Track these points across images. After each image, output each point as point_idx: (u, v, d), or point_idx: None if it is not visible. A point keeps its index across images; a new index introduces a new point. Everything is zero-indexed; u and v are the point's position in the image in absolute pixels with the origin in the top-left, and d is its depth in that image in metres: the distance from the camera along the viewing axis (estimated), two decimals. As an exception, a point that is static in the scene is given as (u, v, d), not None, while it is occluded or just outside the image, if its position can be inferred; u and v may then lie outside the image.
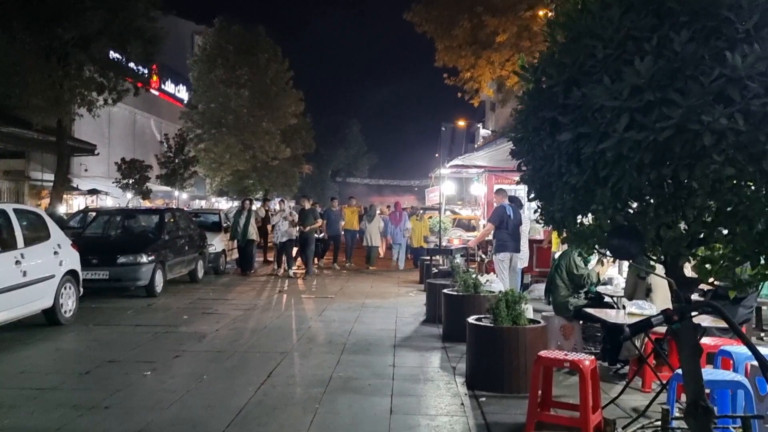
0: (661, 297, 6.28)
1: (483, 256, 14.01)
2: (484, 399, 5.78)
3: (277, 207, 18.85)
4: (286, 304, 11.92)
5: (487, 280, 8.68)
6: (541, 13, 16.85)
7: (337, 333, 8.79)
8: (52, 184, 20.60)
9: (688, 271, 3.25)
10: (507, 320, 6.06)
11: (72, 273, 9.46)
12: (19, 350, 7.72)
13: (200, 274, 14.70)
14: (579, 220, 3.23)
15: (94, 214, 15.79)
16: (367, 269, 18.09)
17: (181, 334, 8.63)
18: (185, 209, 20.77)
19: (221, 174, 33.53)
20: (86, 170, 28.73)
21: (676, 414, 4.52)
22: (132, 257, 11.67)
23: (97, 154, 26.64)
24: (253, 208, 17.65)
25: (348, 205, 20.09)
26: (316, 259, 17.68)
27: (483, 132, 36.56)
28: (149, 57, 21.32)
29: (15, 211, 8.58)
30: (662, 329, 4.09)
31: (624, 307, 6.64)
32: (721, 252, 3.02)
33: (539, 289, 11.15)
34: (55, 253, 9.09)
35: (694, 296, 4.90)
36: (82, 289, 9.84)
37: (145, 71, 24.71)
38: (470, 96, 22.22)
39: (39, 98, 17.30)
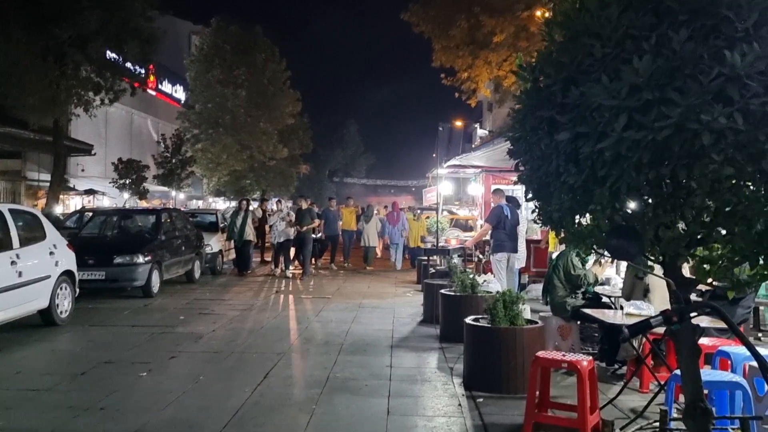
0: (659, 297, 6.26)
1: (480, 256, 14.00)
2: (481, 400, 5.76)
3: (275, 207, 18.84)
4: (283, 304, 11.90)
5: (485, 281, 8.66)
6: (538, 13, 16.85)
7: (335, 333, 8.76)
8: (48, 184, 20.54)
9: (686, 271, 3.24)
10: (504, 321, 6.04)
11: (68, 273, 9.43)
12: (14, 351, 7.68)
13: (197, 274, 14.66)
14: (577, 220, 3.21)
15: (90, 214, 15.73)
16: (365, 269, 18.06)
17: (177, 335, 8.60)
18: (182, 209, 20.72)
19: (218, 174, 33.50)
20: (83, 170, 28.68)
21: (675, 415, 4.51)
22: (128, 257, 11.63)
23: (94, 154, 26.59)
24: (251, 208, 17.60)
25: (346, 205, 20.07)
26: (313, 260, 17.66)
27: (480, 132, 36.57)
28: (146, 57, 21.27)
29: (10, 211, 8.55)
30: (660, 329, 4.07)
31: (622, 308, 6.63)
32: (719, 252, 3.01)
33: (536, 289, 11.13)
34: (51, 253, 9.06)
35: (692, 296, 4.89)
36: (78, 290, 9.81)
37: (142, 71, 24.67)
38: (467, 96, 22.22)
39: (36, 98, 17.25)
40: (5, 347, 7.79)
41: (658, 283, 6.22)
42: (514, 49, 18.03)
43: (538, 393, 4.93)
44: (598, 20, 2.77)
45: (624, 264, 7.64)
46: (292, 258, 16.49)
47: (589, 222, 3.21)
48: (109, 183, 25.82)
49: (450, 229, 18.59)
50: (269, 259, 18.36)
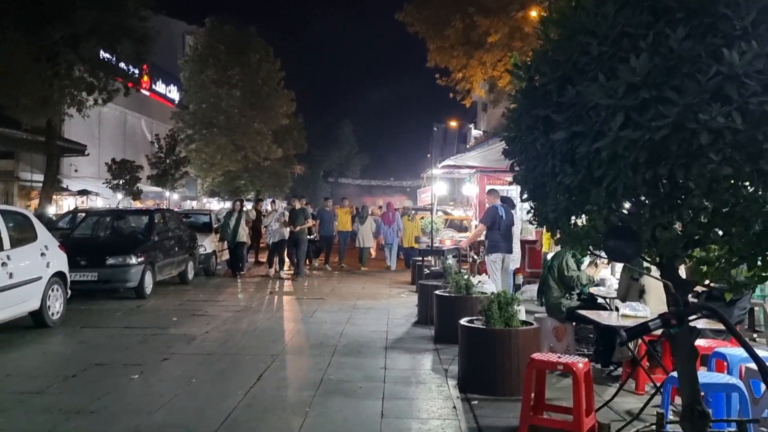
0: (655, 298, 6.24)
1: (475, 256, 13.98)
2: (476, 402, 5.72)
3: (269, 208, 18.77)
4: (277, 305, 11.86)
5: (479, 281, 8.63)
6: (533, 13, 16.84)
7: (329, 335, 8.71)
8: (41, 184, 20.43)
9: (681, 272, 3.20)
10: (499, 322, 6.00)
11: (59, 275, 9.35)
12: (5, 353, 7.60)
13: (190, 275, 14.57)
14: (573, 221, 3.17)
15: (83, 214, 15.63)
16: (360, 270, 18.01)
17: (170, 337, 8.53)
18: (176, 210, 20.63)
19: (212, 174, 33.38)
20: (76, 171, 28.56)
21: (671, 417, 4.48)
22: (121, 258, 11.55)
23: (87, 154, 26.49)
24: (245, 209, 17.51)
25: (341, 206, 20.01)
26: (308, 261, 17.59)
27: (475, 132, 36.60)
28: (140, 57, 21.18)
29: (1, 212, 8.47)
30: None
31: (617, 309, 6.60)
32: (717, 253, 2.98)
33: (531, 289, 11.12)
34: (42, 254, 8.98)
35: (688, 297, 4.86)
36: (69, 291, 9.73)
37: (136, 71, 24.56)
38: (462, 96, 22.24)
39: (28, 98, 17.14)
40: (-4, 349, 7.72)
41: (653, 284, 6.19)
42: (509, 49, 18.05)
43: (533, 395, 4.89)
44: (594, 18, 2.74)
45: (619, 265, 7.61)
46: (285, 258, 16.42)
47: (585, 223, 3.18)
48: (103, 183, 25.72)
49: (445, 230, 18.57)
50: (263, 260, 18.28)
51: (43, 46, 17.39)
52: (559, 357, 5.01)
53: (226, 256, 16.97)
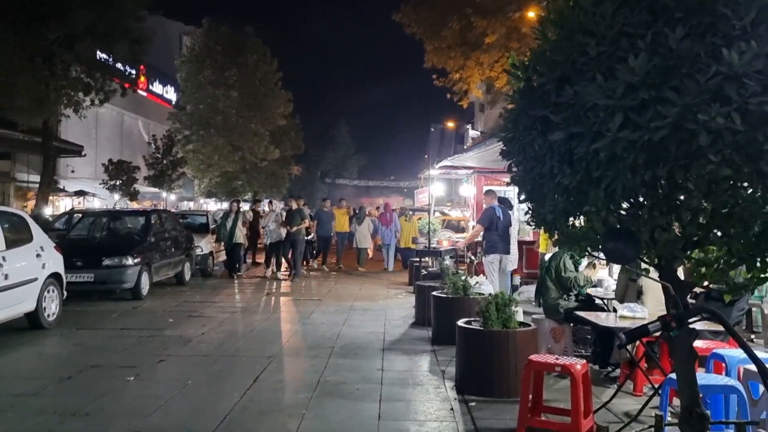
0: (653, 299, 6.22)
1: (472, 257, 13.95)
2: (473, 404, 5.69)
3: (266, 208, 18.73)
4: (273, 306, 11.83)
5: (477, 282, 8.61)
6: (530, 14, 16.83)
7: (325, 336, 8.68)
8: (38, 185, 20.37)
9: (679, 273, 3.18)
10: (497, 323, 5.97)
11: (55, 276, 9.31)
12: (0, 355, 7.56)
13: (187, 276, 14.52)
14: (571, 222, 3.15)
15: (79, 215, 15.57)
16: (357, 270, 17.99)
17: (166, 338, 8.49)
18: (172, 210, 20.58)
19: (210, 175, 33.36)
20: (73, 171, 28.49)
21: (669, 419, 4.46)
22: (117, 259, 11.51)
23: (84, 155, 26.42)
24: (243, 209, 17.45)
25: (338, 206, 19.97)
26: (305, 262, 17.55)
27: (472, 133, 36.59)
28: (136, 57, 21.15)
29: (-4, 213, 8.43)
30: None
31: (615, 310, 6.58)
32: (715, 255, 2.96)
33: (528, 290, 11.10)
34: (38, 255, 8.93)
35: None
36: (65, 292, 9.68)
37: (133, 72, 24.52)
38: (459, 97, 22.22)
39: (25, 99, 17.09)
40: (-9, 351, 7.68)
41: (651, 285, 6.17)
42: (506, 50, 18.03)
43: (531, 397, 4.87)
44: (592, 18, 2.72)
45: (617, 265, 7.60)
46: (282, 259, 16.38)
47: (583, 224, 3.15)
48: (100, 184, 25.64)
49: (442, 231, 18.54)
50: (261, 260, 18.23)
51: (40, 46, 17.34)
52: (557, 358, 4.99)
53: (223, 257, 16.93)
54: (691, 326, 2.88)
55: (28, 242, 8.87)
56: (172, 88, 38.38)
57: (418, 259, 14.08)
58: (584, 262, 7.36)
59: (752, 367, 4.45)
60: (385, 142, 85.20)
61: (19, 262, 8.47)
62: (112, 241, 12.86)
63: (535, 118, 2.99)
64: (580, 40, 2.74)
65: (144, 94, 35.43)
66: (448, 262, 11.88)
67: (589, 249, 3.20)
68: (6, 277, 8.03)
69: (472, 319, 6.41)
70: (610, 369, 6.68)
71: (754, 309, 8.12)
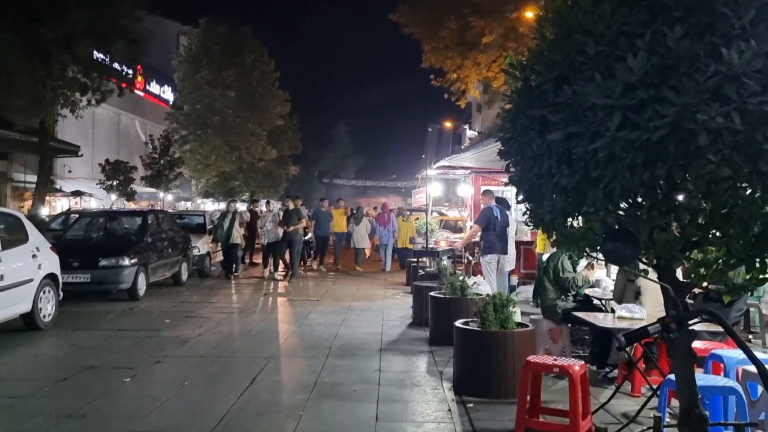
0: (651, 300, 6.21)
1: (470, 257, 13.93)
2: (471, 405, 5.67)
3: (264, 208, 18.71)
4: (271, 307, 11.80)
5: (475, 283, 8.59)
6: (527, 14, 16.83)
7: (323, 337, 8.65)
8: (34, 185, 20.32)
9: (678, 274, 3.16)
10: (495, 324, 5.95)
11: (51, 276, 9.27)
12: (-5, 356, 7.53)
13: (184, 276, 14.48)
14: (569, 223, 3.13)
15: (76, 216, 15.53)
16: (355, 270, 17.98)
17: (162, 339, 8.46)
18: (169, 211, 20.54)
19: (207, 175, 33.31)
20: (70, 171, 28.42)
21: (668, 420, 4.45)
22: (114, 260, 11.47)
23: (81, 155, 26.34)
24: (241, 209, 17.41)
25: (336, 206, 19.95)
26: (302, 262, 17.52)
27: (469, 133, 36.61)
28: (134, 57, 21.07)
29: (-8, 213, 8.40)
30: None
31: (613, 310, 6.57)
32: (714, 255, 2.94)
33: (526, 291, 11.08)
34: (34, 256, 8.89)
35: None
36: (61, 293, 9.64)
37: (130, 72, 24.42)
38: (457, 97, 22.23)
39: (21, 98, 17.02)
40: (-14, 352, 7.64)
41: (649, 286, 6.16)
42: (504, 50, 18.04)
43: (529, 398, 4.85)
44: (591, 17, 2.70)
45: (615, 266, 7.58)
46: (281, 259, 16.34)
47: (581, 224, 3.13)
48: (97, 184, 25.57)
49: (439, 231, 18.53)
50: (258, 261, 18.20)
51: (36, 46, 17.27)
52: (555, 359, 4.97)
53: (220, 257, 16.88)
54: (690, 328, 2.86)
55: (23, 243, 8.83)
56: (169, 88, 38.30)
57: (415, 260, 14.06)
58: (583, 262, 7.34)
59: (751, 367, 4.44)
60: (383, 142, 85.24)
61: (15, 263, 8.43)
62: (109, 242, 12.81)
63: (533, 118, 2.97)
64: (579, 40, 2.73)
65: (141, 94, 35.33)
66: (445, 262, 11.86)
67: (587, 249, 3.18)
68: (1, 278, 7.99)
69: (470, 319, 6.39)
70: (608, 369, 6.66)
71: (751, 309, 8.11)
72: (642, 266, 3.08)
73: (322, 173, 66.05)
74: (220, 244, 16.19)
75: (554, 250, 7.61)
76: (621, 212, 2.90)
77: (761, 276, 2.81)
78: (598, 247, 3.01)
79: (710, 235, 2.78)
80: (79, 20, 17.37)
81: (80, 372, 6.76)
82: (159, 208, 24.11)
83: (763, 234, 2.65)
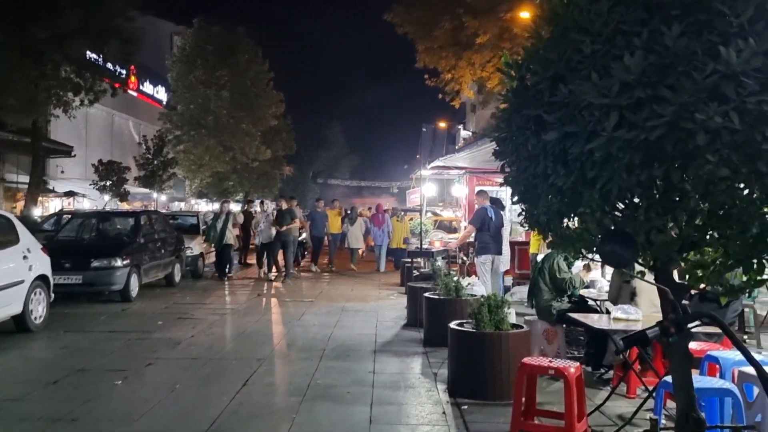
0: (646, 301, 6.18)
1: (464, 258, 13.90)
2: (466, 407, 5.62)
3: (258, 209, 18.64)
4: (264, 308, 11.74)
5: (469, 283, 8.55)
6: (522, 14, 16.82)
7: (317, 338, 8.60)
8: (27, 186, 20.20)
9: (674, 276, 3.13)
10: (489, 325, 5.91)
11: (42, 278, 9.18)
12: (-15, 358, 7.46)
13: (177, 277, 14.39)
14: (565, 224, 3.09)
15: (68, 216, 15.43)
16: (349, 269, 17.95)
17: (154, 341, 8.39)
18: (163, 211, 20.44)
19: (201, 176, 33.23)
20: (63, 172, 28.31)
21: (664, 422, 4.41)
22: (106, 261, 11.39)
23: (74, 155, 26.25)
24: (235, 210, 17.33)
25: (331, 207, 19.90)
26: (295, 263, 17.46)
27: (464, 133, 36.64)
28: (127, 57, 21.03)
29: (-18, 214, 8.32)
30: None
31: (608, 311, 6.53)
32: (712, 257, 2.91)
33: (520, 291, 11.05)
34: (25, 257, 8.81)
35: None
36: (53, 295, 9.55)
37: (123, 72, 24.38)
38: (451, 97, 22.22)
39: (14, 98, 16.92)
40: (-24, 355, 7.56)
41: (645, 287, 6.13)
42: (498, 50, 18.03)
43: (524, 400, 4.81)
44: (587, 15, 2.66)
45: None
46: (273, 260, 16.28)
47: (577, 225, 3.09)
48: (90, 185, 25.47)
49: (434, 231, 18.48)
50: (252, 261, 18.12)
51: (29, 45, 17.18)
52: (550, 361, 4.93)
53: (213, 258, 16.79)
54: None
55: (14, 244, 8.75)
56: (163, 88, 38.21)
57: (410, 260, 14.01)
58: (577, 263, 7.30)
59: (747, 369, 4.42)
60: (377, 143, 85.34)
61: (6, 265, 8.35)
62: (101, 243, 12.73)
63: (528, 118, 2.93)
64: (575, 38, 2.69)
65: (134, 94, 35.27)
66: (440, 262, 11.83)
67: (583, 251, 3.14)
68: (-8, 279, 7.92)
69: (465, 320, 6.35)
70: (603, 371, 6.63)
71: (746, 309, 8.10)
72: (638, 268, 3.05)
73: (317, 173, 65.99)
74: (213, 245, 16.10)
75: (548, 250, 7.58)
76: (618, 213, 2.86)
77: (759, 277, 2.77)
78: (595, 249, 2.97)
79: (708, 236, 2.74)
80: (72, 20, 17.30)
81: (71, 374, 6.69)
82: (152, 208, 24.01)
83: (761, 235, 2.61)
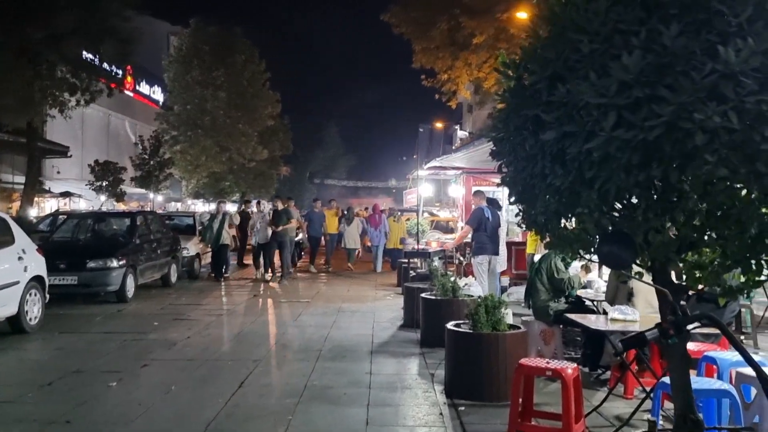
0: (643, 301, 6.17)
1: (461, 258, 13.88)
2: (463, 408, 5.61)
3: (255, 209, 18.61)
4: (261, 308, 11.71)
5: (466, 284, 8.53)
6: (519, 14, 16.82)
7: (313, 339, 8.57)
8: (23, 186, 20.14)
9: (673, 276, 3.11)
10: (487, 326, 5.89)
11: (37, 279, 9.14)
12: (-20, 360, 7.42)
13: (173, 278, 14.35)
14: (563, 224, 3.07)
15: (64, 217, 15.37)
16: (347, 268, 17.93)
17: (150, 342, 8.35)
18: (159, 212, 20.39)
19: (197, 176, 33.17)
20: (59, 172, 28.24)
21: (661, 423, 4.40)
22: (102, 262, 11.35)
23: (70, 156, 26.17)
24: (231, 210, 17.30)
25: (328, 207, 19.88)
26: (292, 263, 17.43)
27: (460, 134, 36.63)
28: (123, 57, 20.94)
29: (-23, 215, 8.27)
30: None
31: (605, 312, 6.52)
32: (710, 257, 2.89)
33: (517, 291, 11.04)
34: (20, 258, 8.77)
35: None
36: (48, 296, 9.51)
37: (119, 72, 24.29)
38: (448, 98, 22.24)
39: (9, 98, 16.84)
40: (-30, 356, 7.52)
41: (642, 287, 6.12)
42: (494, 50, 18.03)
43: (521, 401, 4.79)
44: (585, 14, 2.64)
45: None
46: (270, 260, 16.24)
47: (575, 226, 3.07)
48: (86, 185, 25.41)
49: (431, 232, 18.47)
50: (248, 262, 18.08)
51: (25, 45, 17.09)
52: (547, 362, 4.91)
53: (210, 258, 16.73)
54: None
55: (9, 245, 8.71)
56: (160, 89, 38.14)
57: (406, 261, 13.99)
58: (574, 263, 7.29)
59: (744, 370, 4.41)
60: (374, 143, 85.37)
61: (1, 265, 8.31)
62: (97, 243, 12.67)
63: (526, 118, 2.90)
64: (573, 38, 2.67)
65: (131, 94, 35.19)
66: (436, 263, 11.81)
67: (581, 251, 3.12)
68: (-14, 280, 7.88)
69: (462, 321, 6.32)
70: (600, 371, 6.62)
71: (743, 310, 8.10)
72: (636, 269, 3.03)
73: (313, 174, 65.96)
74: (209, 245, 16.06)
75: (545, 251, 7.56)
76: (616, 214, 2.84)
77: (757, 278, 2.76)
78: (593, 250, 2.95)
79: (706, 237, 2.73)
80: (68, 20, 17.21)
81: (66, 376, 6.65)
82: (149, 209, 23.96)
83: (760, 236, 2.59)
